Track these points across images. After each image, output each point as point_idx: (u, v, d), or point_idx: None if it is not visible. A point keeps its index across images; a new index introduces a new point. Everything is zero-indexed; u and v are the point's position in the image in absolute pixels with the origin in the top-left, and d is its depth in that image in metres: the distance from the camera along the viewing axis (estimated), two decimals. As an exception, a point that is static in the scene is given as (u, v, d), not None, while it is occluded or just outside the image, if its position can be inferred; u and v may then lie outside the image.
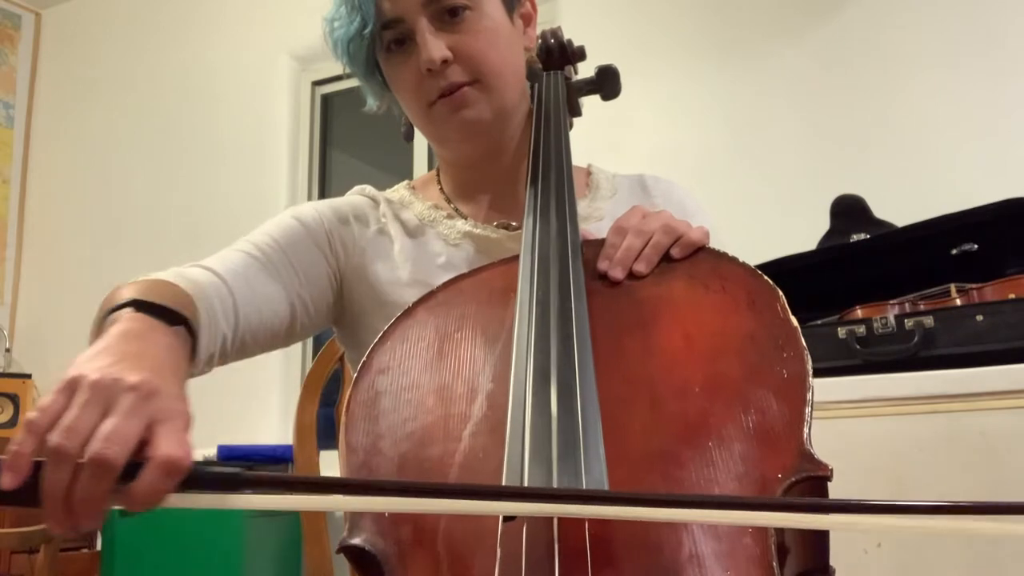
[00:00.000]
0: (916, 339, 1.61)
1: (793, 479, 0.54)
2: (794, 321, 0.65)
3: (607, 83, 1.04)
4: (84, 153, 3.88)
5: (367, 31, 0.90)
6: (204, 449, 2.88)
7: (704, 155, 2.57)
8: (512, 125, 0.96)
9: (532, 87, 1.03)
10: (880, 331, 1.65)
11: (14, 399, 3.45)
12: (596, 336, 0.64)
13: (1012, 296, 1.61)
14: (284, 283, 0.91)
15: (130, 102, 3.75)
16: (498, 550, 0.50)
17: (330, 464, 1.39)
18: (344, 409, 0.68)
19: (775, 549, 0.51)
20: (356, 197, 1.04)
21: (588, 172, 1.07)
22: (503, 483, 0.53)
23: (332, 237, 0.98)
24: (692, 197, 1.05)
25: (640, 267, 0.73)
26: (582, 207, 0.98)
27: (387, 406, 0.67)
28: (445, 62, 0.89)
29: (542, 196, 0.82)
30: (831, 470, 0.55)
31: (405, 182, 1.08)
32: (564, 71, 1.05)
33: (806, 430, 0.58)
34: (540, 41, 1.07)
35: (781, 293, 0.68)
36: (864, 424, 1.54)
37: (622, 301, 0.71)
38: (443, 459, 0.61)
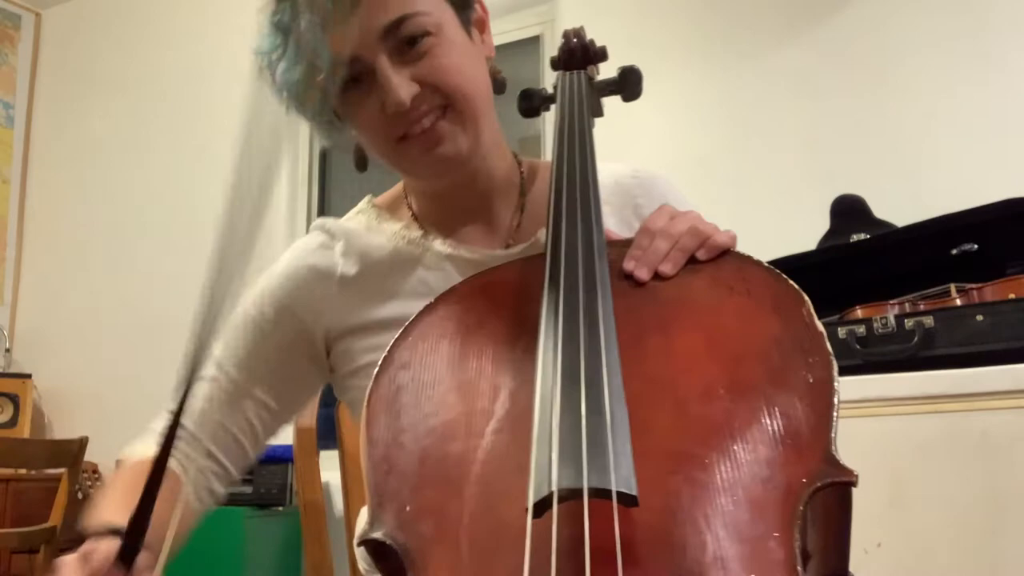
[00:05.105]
0: (916, 339, 1.61)
1: (818, 484, 0.54)
2: (820, 326, 0.65)
3: (629, 84, 1.02)
4: (84, 153, 3.88)
5: (322, 78, 0.81)
6: (204, 449, 2.88)
7: (704, 155, 2.57)
8: (485, 148, 0.90)
9: (554, 88, 1.01)
10: (880, 331, 1.65)
11: (14, 399, 3.45)
12: (620, 336, 0.64)
13: (1012, 296, 1.61)
14: (254, 399, 0.92)
15: (130, 102, 3.75)
16: (527, 546, 0.50)
17: (330, 464, 1.39)
18: (365, 404, 0.68)
19: (800, 554, 0.51)
20: (309, 246, 0.96)
21: None
22: (531, 482, 0.53)
23: (297, 315, 0.93)
24: (675, 191, 1.00)
25: (666, 268, 0.72)
26: None
27: (408, 401, 0.67)
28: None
29: (567, 196, 0.80)
30: (856, 476, 0.55)
31: (368, 200, 1.01)
32: (587, 71, 1.04)
33: (832, 436, 0.57)
34: (563, 41, 1.05)
35: (807, 298, 0.67)
36: (864, 424, 1.54)
37: (647, 302, 0.71)
38: (465, 455, 0.61)
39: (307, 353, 0.93)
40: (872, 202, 2.15)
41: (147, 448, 0.88)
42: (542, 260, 0.74)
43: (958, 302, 1.67)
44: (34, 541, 2.52)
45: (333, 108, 0.87)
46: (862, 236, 2.02)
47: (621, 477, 0.51)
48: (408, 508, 0.59)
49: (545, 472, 0.52)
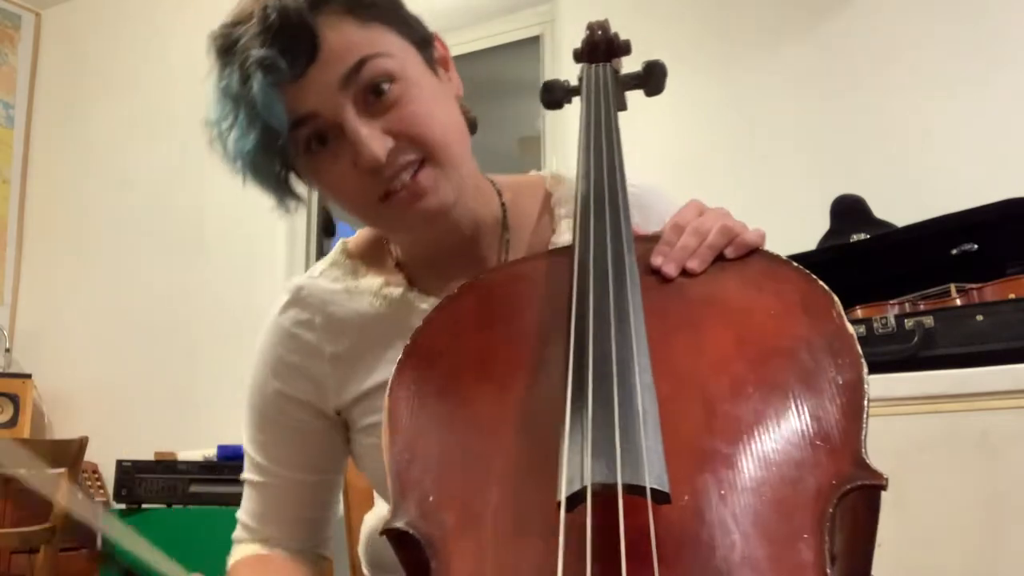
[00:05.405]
0: (916, 339, 1.61)
1: (847, 487, 0.53)
2: (850, 328, 0.64)
3: (654, 78, 1.01)
4: (84, 153, 3.88)
5: (280, 142, 0.75)
6: (204, 449, 2.88)
7: (704, 154, 2.57)
8: (468, 194, 0.85)
9: (579, 80, 1.00)
10: (880, 331, 1.65)
11: (14, 399, 3.45)
12: (648, 332, 0.63)
13: (1012, 296, 1.61)
14: (301, 481, 0.93)
15: (130, 102, 3.75)
16: (561, 542, 0.49)
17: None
18: (387, 393, 0.67)
19: (829, 556, 0.51)
20: (287, 327, 0.90)
21: (547, 193, 0.95)
22: (563, 476, 0.52)
23: (301, 400, 0.90)
24: (671, 201, 0.95)
25: (693, 265, 0.71)
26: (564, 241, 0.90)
27: (431, 391, 0.66)
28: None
29: (595, 190, 0.79)
30: (887, 480, 0.54)
31: (341, 248, 0.93)
32: (612, 64, 1.02)
33: (862, 438, 0.57)
34: (587, 33, 1.03)
35: (837, 299, 0.67)
36: (864, 424, 1.54)
37: (674, 298, 0.70)
38: (490, 445, 0.60)
39: (327, 425, 0.92)
40: (872, 202, 2.15)
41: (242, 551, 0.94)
42: (569, 252, 0.73)
43: (958, 302, 1.67)
44: (34, 541, 2.51)
45: (296, 172, 0.81)
46: (862, 236, 2.02)
47: (654, 474, 0.50)
48: (431, 498, 0.59)
49: (577, 466, 0.51)
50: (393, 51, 0.76)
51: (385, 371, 0.84)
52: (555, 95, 1.04)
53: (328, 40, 0.73)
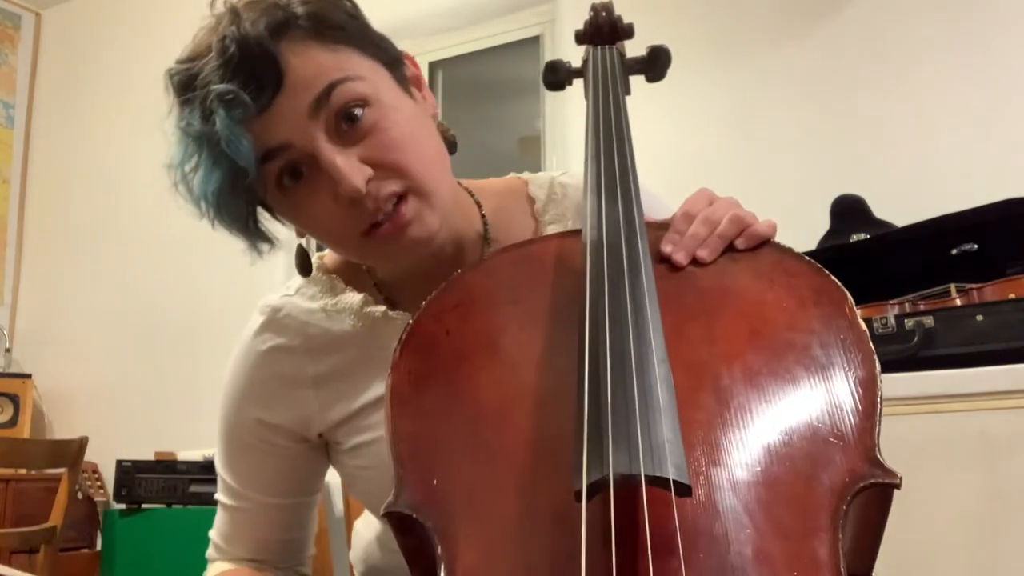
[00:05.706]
0: (916, 339, 1.61)
1: (861, 485, 0.54)
2: (862, 324, 0.64)
3: (659, 63, 1.00)
4: (84, 153, 3.88)
5: (249, 180, 0.70)
6: (204, 449, 2.88)
7: (704, 154, 2.57)
8: (452, 217, 0.81)
9: (584, 62, 0.98)
10: (880, 331, 1.65)
11: (14, 399, 3.46)
12: (662, 321, 0.62)
13: (1012, 296, 1.61)
14: (280, 505, 0.90)
15: (130, 102, 3.75)
16: (583, 533, 0.48)
17: (330, 464, 1.39)
18: (389, 371, 0.65)
19: (842, 553, 0.50)
20: (262, 352, 0.87)
21: (530, 198, 0.92)
22: (583, 466, 0.50)
23: (283, 427, 0.87)
24: (668, 209, 0.92)
25: (704, 254, 0.70)
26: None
27: (437, 372, 0.65)
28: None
29: (606, 174, 0.77)
30: (900, 478, 0.54)
31: (316, 264, 0.89)
32: (617, 47, 1.01)
33: (876, 436, 0.57)
34: (591, 15, 1.02)
35: (849, 295, 0.66)
36: (864, 424, 1.54)
37: (684, 287, 0.69)
38: (498, 432, 0.59)
39: (307, 448, 0.89)
40: (872, 202, 2.15)
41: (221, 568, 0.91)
42: (580, 236, 0.72)
43: (958, 302, 1.67)
44: (34, 541, 2.52)
45: (268, 209, 0.78)
46: (862, 236, 2.02)
47: (674, 466, 0.50)
48: (435, 481, 0.57)
49: (597, 456, 0.50)
50: (364, 74, 0.72)
51: (371, 392, 0.83)
52: (558, 75, 1.02)
53: (293, 67, 0.69)
